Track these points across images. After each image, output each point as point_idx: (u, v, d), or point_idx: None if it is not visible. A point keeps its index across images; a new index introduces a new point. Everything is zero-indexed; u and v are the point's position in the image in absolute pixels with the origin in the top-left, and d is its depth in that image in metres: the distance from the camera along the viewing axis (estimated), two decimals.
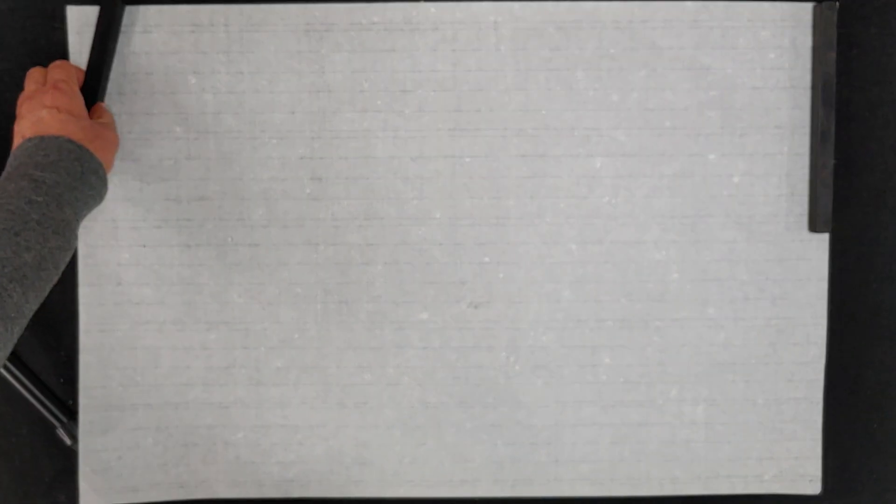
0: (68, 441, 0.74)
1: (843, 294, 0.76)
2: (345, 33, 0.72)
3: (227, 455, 0.75)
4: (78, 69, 0.71)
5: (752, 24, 0.73)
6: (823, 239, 0.74)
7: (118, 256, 0.74)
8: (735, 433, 0.75)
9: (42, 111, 0.64)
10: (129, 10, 0.72)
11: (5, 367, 0.73)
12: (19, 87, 0.73)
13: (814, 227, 0.74)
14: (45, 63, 0.73)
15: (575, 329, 0.74)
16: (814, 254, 0.74)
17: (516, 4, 0.72)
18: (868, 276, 0.76)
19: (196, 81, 0.73)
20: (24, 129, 0.64)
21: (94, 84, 0.70)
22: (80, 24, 0.72)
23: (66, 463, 0.76)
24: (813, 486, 0.76)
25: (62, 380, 0.75)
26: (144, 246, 0.74)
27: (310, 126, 0.73)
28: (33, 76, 0.69)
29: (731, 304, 0.74)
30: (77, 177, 0.62)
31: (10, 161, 0.63)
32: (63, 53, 0.72)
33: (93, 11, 0.71)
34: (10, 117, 0.73)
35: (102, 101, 0.71)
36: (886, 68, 0.74)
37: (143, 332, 0.74)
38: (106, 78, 0.71)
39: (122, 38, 0.72)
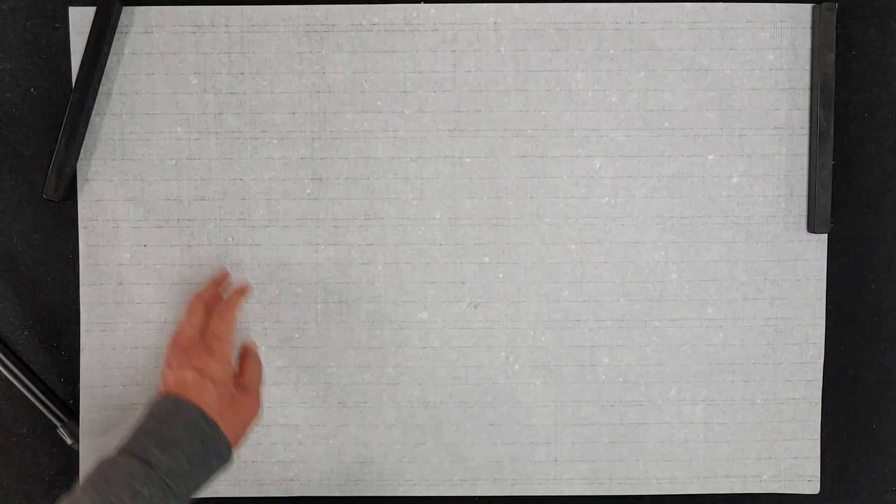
0: (69, 440, 0.74)
1: (842, 294, 0.76)
2: (345, 34, 0.73)
3: None
4: (239, 296, 0.70)
5: (752, 26, 0.73)
6: (822, 239, 0.75)
7: (119, 256, 0.74)
8: (734, 433, 0.76)
9: (187, 371, 0.64)
10: (131, 11, 0.72)
11: (6, 367, 0.73)
12: (20, 87, 0.73)
13: (812, 227, 0.74)
14: (45, 62, 0.73)
15: (574, 329, 0.75)
16: (812, 254, 0.74)
17: (516, 6, 0.73)
18: (867, 277, 0.76)
19: (197, 82, 0.73)
20: (169, 380, 0.64)
21: (85, 84, 0.70)
22: (82, 25, 0.72)
23: (66, 462, 0.76)
24: (812, 486, 0.76)
25: (63, 379, 0.76)
26: (146, 246, 0.74)
27: (310, 126, 0.73)
28: (197, 311, 0.68)
29: (729, 304, 0.75)
30: (196, 462, 0.60)
31: (144, 409, 0.63)
32: (64, 53, 0.73)
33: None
34: (11, 117, 0.73)
35: (93, 102, 0.71)
36: (885, 69, 0.74)
37: (145, 331, 0.74)
38: (98, 79, 0.71)
39: (124, 39, 0.73)
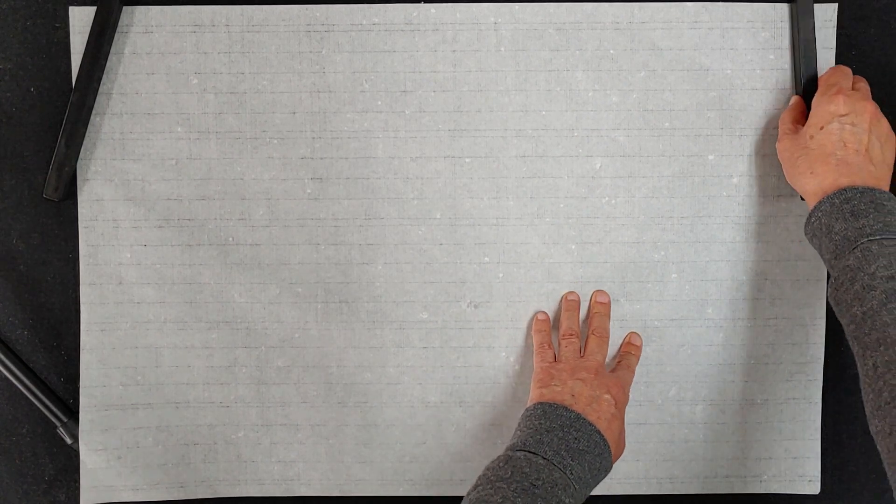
0: (69, 440, 0.74)
1: None
2: (345, 34, 0.73)
3: (227, 454, 0.75)
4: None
5: (752, 25, 0.73)
6: None
7: (119, 256, 0.74)
8: (734, 433, 0.76)
9: (606, 395, 0.67)
10: (131, 11, 0.72)
11: (6, 367, 0.73)
12: (20, 87, 0.73)
13: None
14: (45, 62, 0.73)
15: None
16: (812, 254, 0.74)
17: (516, 5, 0.73)
18: None
19: (198, 82, 0.73)
20: (581, 395, 0.67)
21: (85, 84, 0.70)
22: (83, 25, 0.72)
23: (66, 462, 0.76)
24: (812, 486, 0.76)
25: (63, 379, 0.76)
26: (146, 245, 0.74)
27: (311, 126, 0.73)
28: (573, 312, 0.73)
29: (729, 304, 0.75)
30: (594, 473, 0.64)
31: (532, 410, 0.66)
32: (64, 53, 0.73)
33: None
34: (11, 117, 0.73)
35: (93, 102, 0.71)
36: (885, 69, 0.74)
37: (145, 331, 0.74)
38: (98, 79, 0.71)
39: (124, 39, 0.73)
